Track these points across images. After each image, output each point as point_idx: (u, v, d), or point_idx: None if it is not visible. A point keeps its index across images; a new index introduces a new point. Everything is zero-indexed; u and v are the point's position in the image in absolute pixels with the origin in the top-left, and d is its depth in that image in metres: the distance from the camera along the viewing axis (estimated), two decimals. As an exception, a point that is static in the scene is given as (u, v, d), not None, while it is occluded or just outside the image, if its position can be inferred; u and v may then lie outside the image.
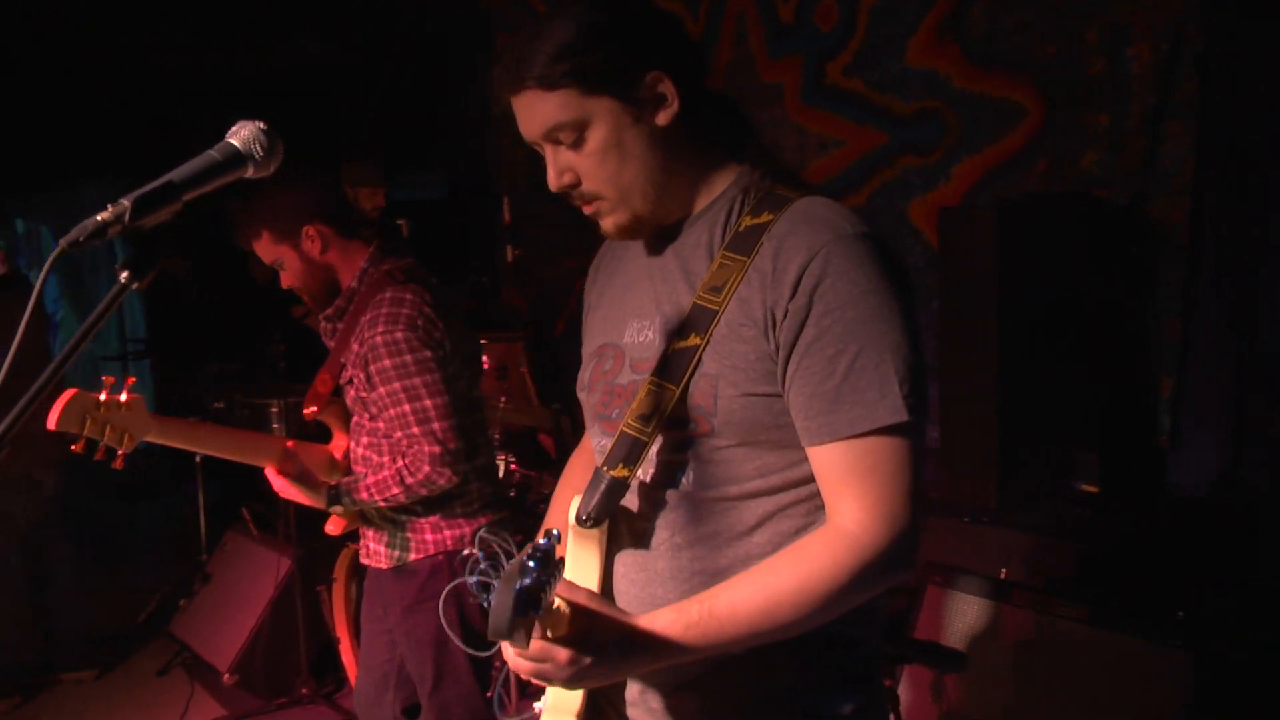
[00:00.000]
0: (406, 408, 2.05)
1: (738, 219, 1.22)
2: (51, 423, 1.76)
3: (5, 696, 3.53)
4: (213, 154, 0.96)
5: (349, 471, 2.24)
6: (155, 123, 6.33)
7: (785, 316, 1.13)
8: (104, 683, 3.76)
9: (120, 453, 1.86)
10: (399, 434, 2.07)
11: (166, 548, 4.84)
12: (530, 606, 0.79)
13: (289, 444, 2.20)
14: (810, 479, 1.17)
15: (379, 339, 2.05)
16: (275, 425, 3.55)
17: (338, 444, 2.34)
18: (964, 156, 2.99)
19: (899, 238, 3.08)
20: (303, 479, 2.14)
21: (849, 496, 1.12)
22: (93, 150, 6.79)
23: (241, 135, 0.98)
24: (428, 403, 2.05)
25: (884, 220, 3.05)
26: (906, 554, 1.13)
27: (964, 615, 2.39)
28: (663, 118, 1.19)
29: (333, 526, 2.29)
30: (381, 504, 2.11)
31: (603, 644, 1.07)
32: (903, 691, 2.37)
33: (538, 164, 1.26)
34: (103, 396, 1.83)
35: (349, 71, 5.72)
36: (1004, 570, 2.45)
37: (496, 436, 3.24)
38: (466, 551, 0.88)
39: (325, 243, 2.16)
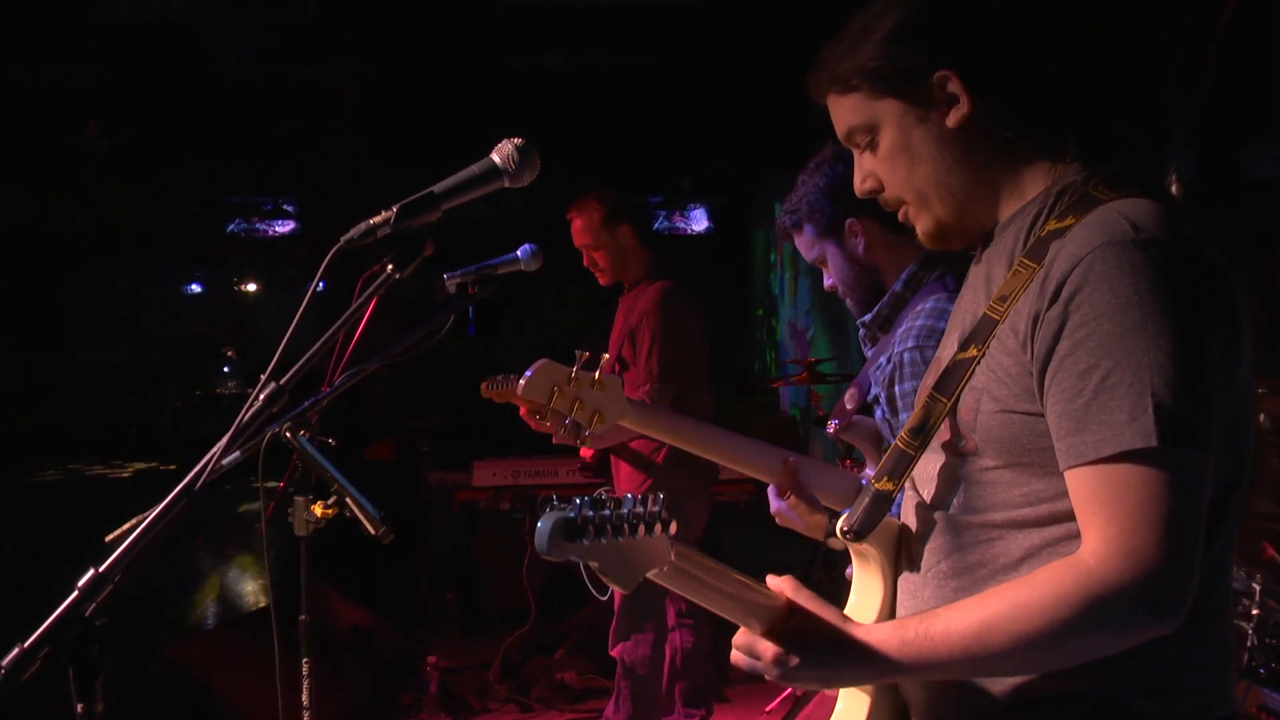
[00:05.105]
0: None
1: (1044, 223, 1.69)
2: (519, 389, 2.66)
3: None
4: (473, 169, 1.85)
5: None
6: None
7: (1041, 326, 1.59)
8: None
9: (587, 433, 2.67)
10: None
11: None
12: (566, 532, 1.45)
13: (791, 459, 2.79)
14: None
15: (906, 355, 2.65)
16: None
17: (869, 471, 2.93)
18: None
19: None
20: (804, 501, 2.70)
21: (1093, 526, 1.54)
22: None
23: (503, 152, 1.86)
24: None
25: None
26: (1155, 599, 1.50)
27: None
28: (953, 119, 1.73)
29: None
30: None
31: (811, 644, 1.65)
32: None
33: None
34: (574, 371, 2.63)
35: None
36: None
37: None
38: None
39: (870, 239, 2.85)
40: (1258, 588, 3.71)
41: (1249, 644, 3.61)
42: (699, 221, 14.80)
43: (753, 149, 11.02)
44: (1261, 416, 4.11)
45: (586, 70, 10.00)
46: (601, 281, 4.94)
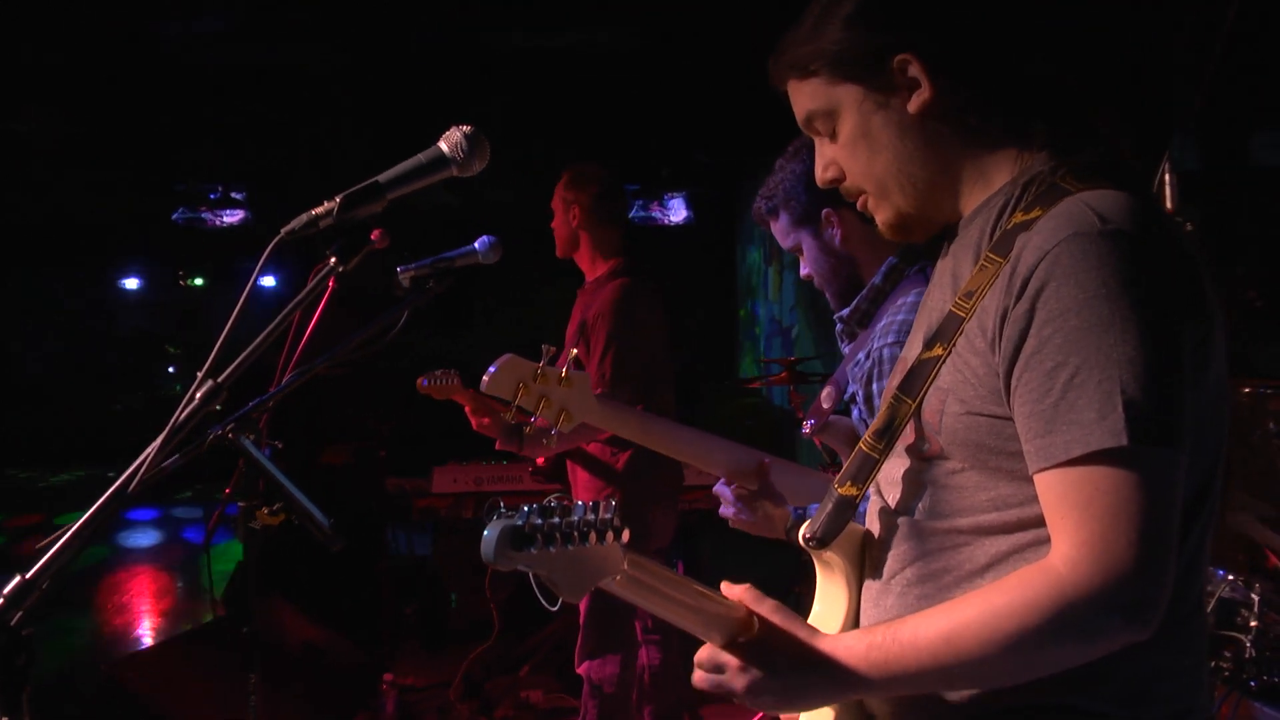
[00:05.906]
0: None
1: (1010, 215, 1.74)
2: (483, 385, 2.75)
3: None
4: (419, 157, 1.89)
5: None
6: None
7: (1008, 324, 1.63)
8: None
9: (553, 432, 2.78)
10: None
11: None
12: (514, 541, 1.50)
13: (766, 460, 2.92)
14: None
15: (885, 352, 2.68)
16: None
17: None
18: None
19: None
20: (766, 497, 2.81)
21: (1063, 530, 1.58)
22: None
23: (451, 140, 1.90)
24: None
25: None
26: (1128, 604, 1.54)
27: None
28: (914, 104, 1.78)
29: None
30: None
31: (776, 657, 1.70)
32: None
33: None
34: (540, 367, 2.73)
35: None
36: None
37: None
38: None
39: (847, 230, 2.90)
40: (1256, 598, 3.76)
41: (1247, 656, 3.65)
42: (677, 211, 14.66)
43: (736, 136, 10.97)
44: (1271, 423, 4.17)
45: (563, 53, 9.93)
46: (558, 252, 5.04)
